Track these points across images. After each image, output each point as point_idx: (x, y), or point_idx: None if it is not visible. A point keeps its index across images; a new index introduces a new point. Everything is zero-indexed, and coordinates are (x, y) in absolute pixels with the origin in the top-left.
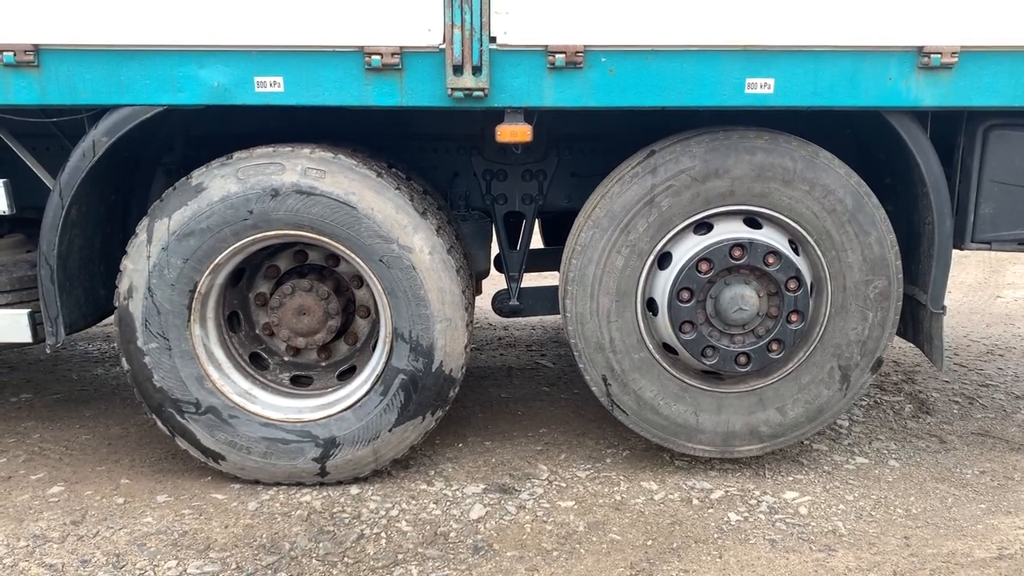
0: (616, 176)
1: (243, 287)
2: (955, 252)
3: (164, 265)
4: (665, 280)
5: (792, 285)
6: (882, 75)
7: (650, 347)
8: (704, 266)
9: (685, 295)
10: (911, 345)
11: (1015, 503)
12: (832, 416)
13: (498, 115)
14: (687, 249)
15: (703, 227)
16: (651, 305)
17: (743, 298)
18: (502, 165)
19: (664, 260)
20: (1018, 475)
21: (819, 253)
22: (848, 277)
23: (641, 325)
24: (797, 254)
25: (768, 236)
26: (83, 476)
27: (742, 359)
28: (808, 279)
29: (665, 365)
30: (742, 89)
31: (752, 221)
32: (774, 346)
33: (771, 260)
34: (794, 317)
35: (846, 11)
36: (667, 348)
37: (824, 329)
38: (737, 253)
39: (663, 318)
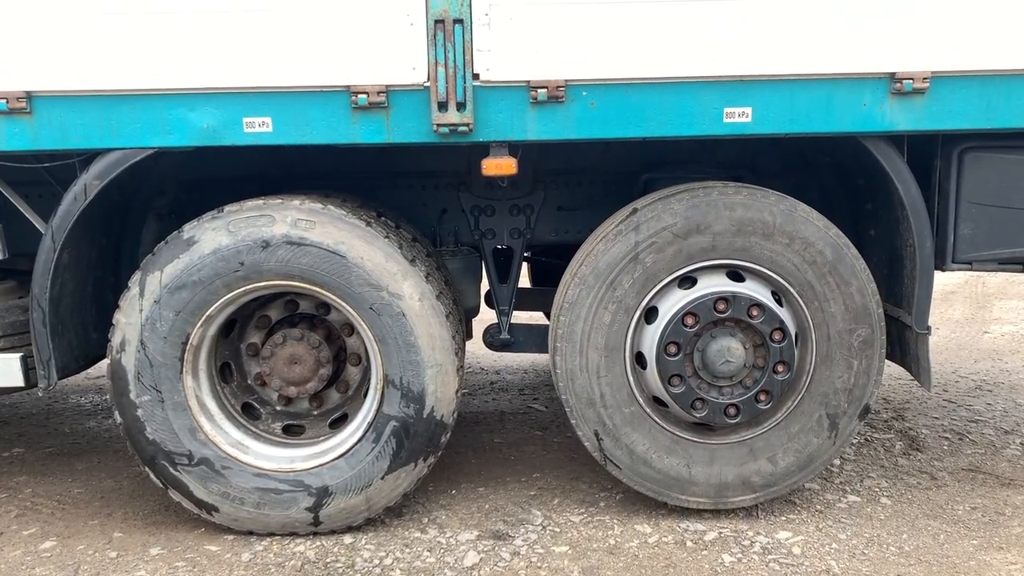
0: (600, 234)
1: (235, 337)
2: (941, 285)
3: (156, 318)
4: (652, 334)
5: (777, 336)
6: (856, 101)
7: (640, 401)
8: (690, 320)
9: (672, 349)
10: (900, 382)
11: (1007, 539)
12: (822, 464)
13: (483, 149)
14: (672, 303)
15: (687, 281)
16: (640, 359)
17: (729, 350)
18: (489, 200)
19: (651, 315)
20: (1009, 510)
21: (802, 304)
22: (832, 327)
23: (631, 379)
24: (781, 305)
25: (751, 289)
26: (76, 530)
27: (731, 410)
28: (792, 330)
29: (656, 418)
30: (720, 118)
31: (735, 274)
32: (762, 396)
33: (755, 312)
34: (780, 368)
35: (819, 40)
36: (657, 401)
37: (811, 378)
38: (721, 306)
39: (652, 372)
